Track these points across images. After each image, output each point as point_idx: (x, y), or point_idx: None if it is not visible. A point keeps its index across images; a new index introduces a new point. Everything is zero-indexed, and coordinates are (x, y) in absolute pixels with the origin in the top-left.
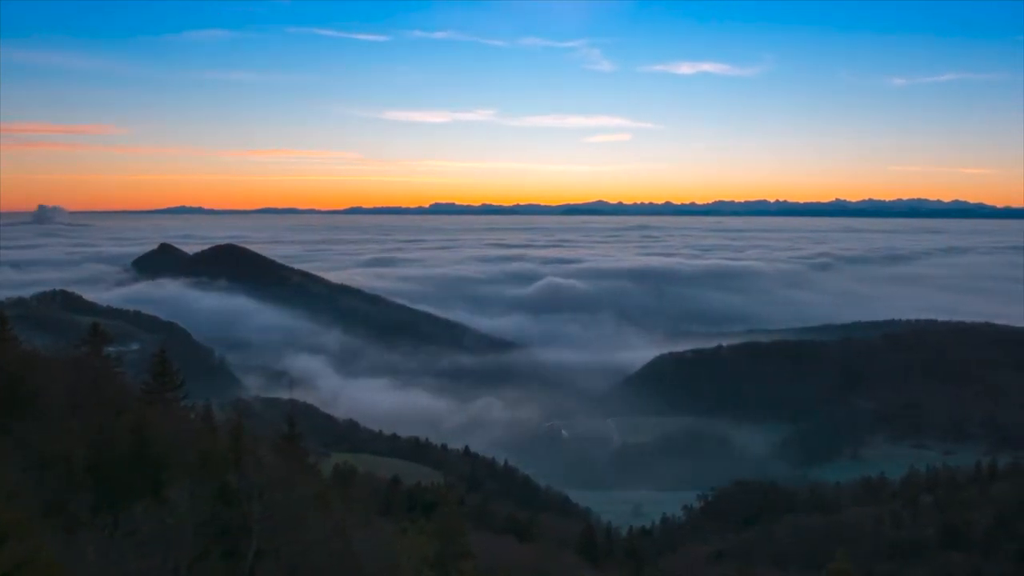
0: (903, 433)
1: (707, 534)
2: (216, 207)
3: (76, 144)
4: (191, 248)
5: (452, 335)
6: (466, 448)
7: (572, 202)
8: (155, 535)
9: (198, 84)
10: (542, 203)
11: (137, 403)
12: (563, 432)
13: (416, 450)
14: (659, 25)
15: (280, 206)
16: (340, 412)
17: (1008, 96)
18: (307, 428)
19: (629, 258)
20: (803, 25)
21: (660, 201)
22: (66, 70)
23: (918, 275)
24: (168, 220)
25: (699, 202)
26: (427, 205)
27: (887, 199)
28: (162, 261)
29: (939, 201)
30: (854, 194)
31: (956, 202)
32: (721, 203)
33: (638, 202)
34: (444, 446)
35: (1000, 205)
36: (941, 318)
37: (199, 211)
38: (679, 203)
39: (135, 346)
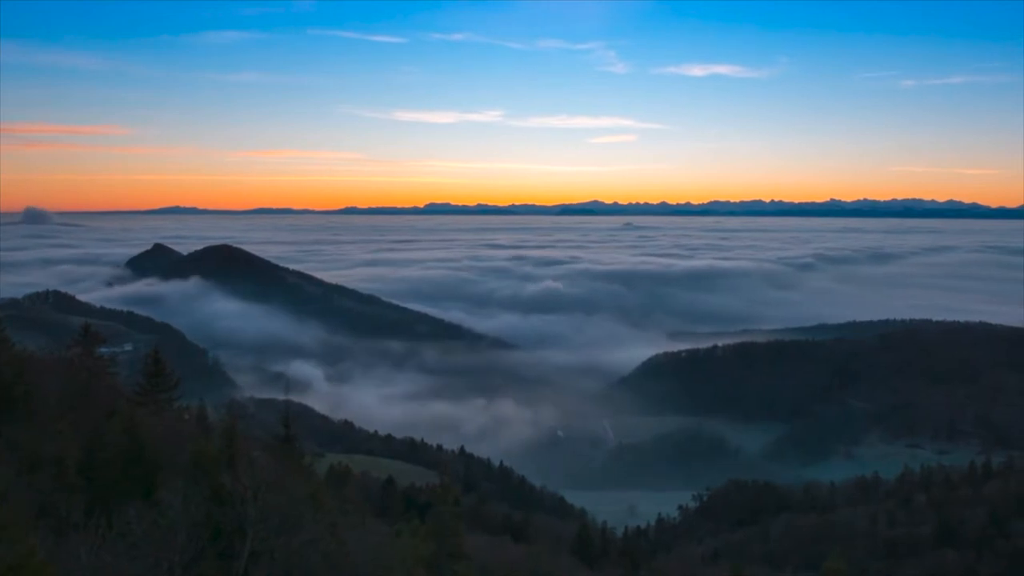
0: (897, 432)
1: (702, 534)
2: (210, 207)
3: (75, 144)
4: (185, 248)
5: (447, 335)
6: (461, 449)
7: (567, 202)
8: (148, 537)
9: (209, 85)
10: (537, 203)
11: (130, 404)
12: (559, 432)
13: (411, 451)
14: (675, 27)
15: (276, 206)
16: (335, 412)
17: (1005, 97)
18: (302, 429)
19: (622, 258)
20: (814, 28)
21: (655, 201)
22: (75, 71)
23: (896, 274)
24: (162, 220)
25: (695, 202)
26: (422, 205)
27: (882, 199)
28: (155, 261)
29: (933, 201)
30: (849, 194)
31: (950, 202)
32: (716, 203)
33: (633, 202)
34: (439, 447)
35: (994, 205)
36: (936, 317)
37: (193, 211)
38: (674, 203)
39: (128, 347)
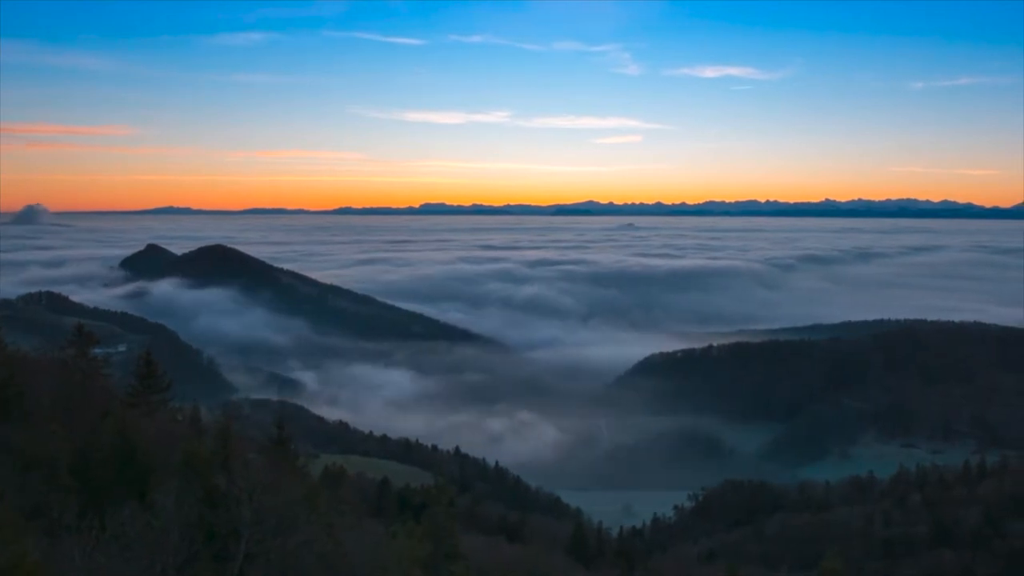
0: (892, 432)
1: (697, 534)
2: (204, 208)
3: (75, 144)
4: (179, 249)
5: (441, 336)
6: (456, 449)
7: (563, 202)
8: (142, 538)
9: (221, 86)
10: (532, 203)
11: (123, 405)
12: (554, 432)
13: (406, 451)
14: (690, 29)
15: (270, 206)
16: (330, 413)
17: (1001, 99)
18: (296, 429)
19: (617, 259)
20: (826, 30)
21: (651, 201)
22: (76, 71)
23: (874, 273)
24: (156, 221)
25: (690, 202)
26: (417, 205)
27: (877, 199)
28: (149, 262)
29: (928, 201)
30: (844, 194)
31: (945, 202)
32: (712, 203)
33: (629, 202)
34: (434, 447)
35: (989, 205)
36: (930, 317)
37: (187, 212)
38: (670, 203)
39: (122, 348)
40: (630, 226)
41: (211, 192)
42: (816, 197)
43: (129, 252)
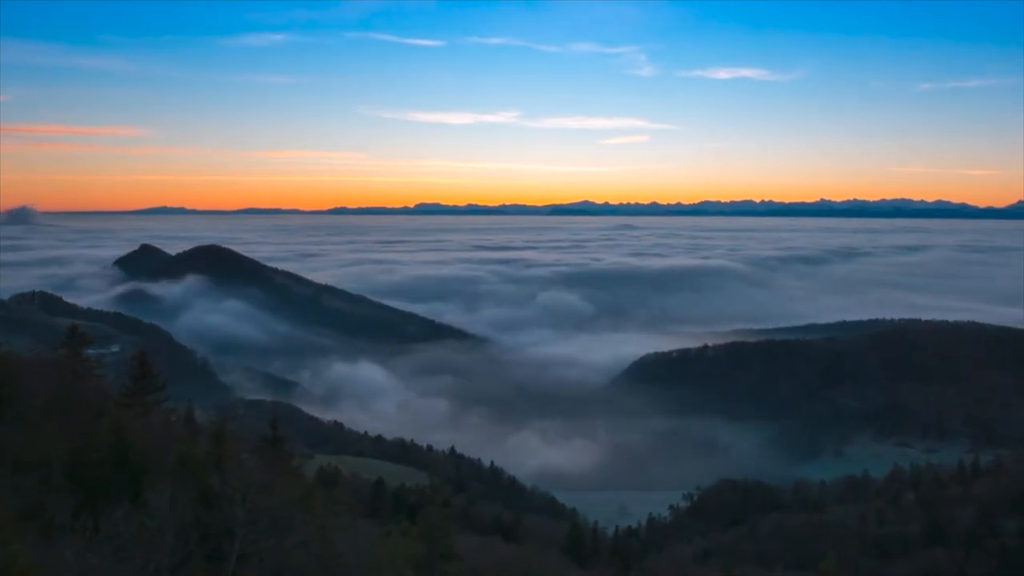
0: (887, 431)
1: (693, 534)
2: (198, 208)
3: (73, 144)
4: (172, 249)
5: (436, 335)
6: (452, 449)
7: (559, 202)
8: (135, 539)
9: (228, 87)
10: (528, 203)
11: (117, 406)
12: (549, 432)
13: (401, 452)
14: (706, 31)
15: (265, 207)
16: (324, 413)
17: (997, 100)
18: (291, 430)
19: (611, 258)
20: (831, 31)
21: (646, 201)
22: (85, 72)
23: (855, 272)
24: (149, 221)
25: (685, 202)
26: (412, 205)
27: (872, 199)
28: (143, 262)
29: (922, 201)
30: (840, 194)
31: (939, 202)
32: (707, 203)
33: (625, 202)
34: (429, 447)
35: (983, 205)
36: (912, 316)
37: (180, 211)
38: (665, 203)
39: (115, 348)
40: (626, 226)
41: (202, 192)
42: (811, 197)
43: (122, 252)
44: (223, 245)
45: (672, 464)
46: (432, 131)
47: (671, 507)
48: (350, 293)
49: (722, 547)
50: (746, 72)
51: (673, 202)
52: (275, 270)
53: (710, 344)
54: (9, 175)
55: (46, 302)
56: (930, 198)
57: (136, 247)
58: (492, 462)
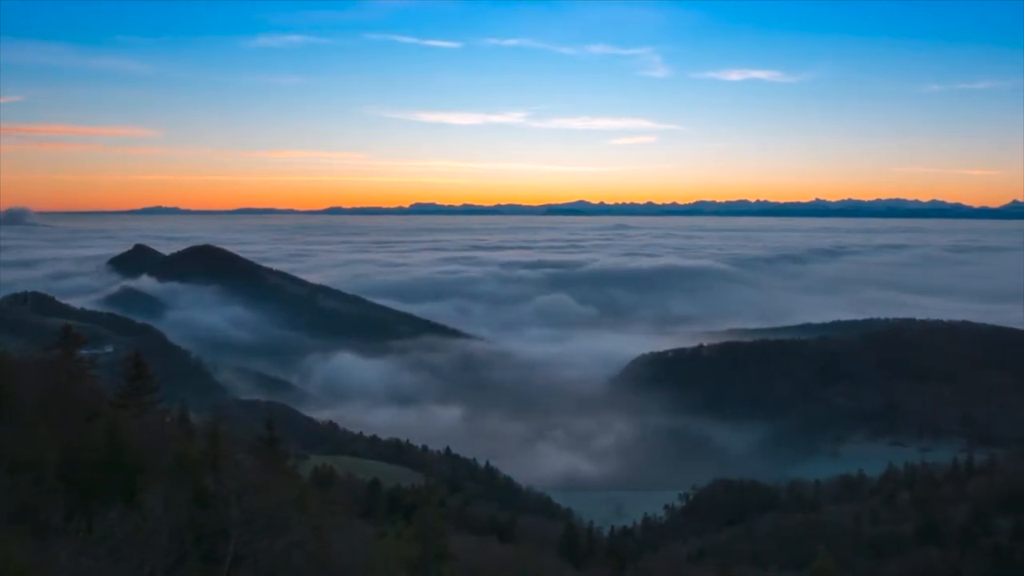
0: (881, 431)
1: (688, 533)
2: (192, 208)
3: (70, 144)
4: (167, 249)
5: (431, 335)
6: (447, 449)
7: (554, 202)
8: (130, 540)
9: (237, 87)
10: (523, 203)
11: (111, 406)
12: (544, 432)
13: (396, 452)
14: (721, 33)
15: (259, 206)
16: (319, 414)
17: (994, 100)
18: (286, 430)
19: (606, 259)
20: (851, 33)
21: (642, 201)
22: (84, 72)
23: (841, 271)
24: (143, 221)
25: (681, 202)
26: (407, 205)
27: (866, 199)
28: (137, 262)
29: (917, 201)
30: (834, 194)
31: (934, 202)
32: (703, 203)
33: (620, 202)
34: (425, 447)
35: (977, 205)
36: (919, 316)
37: (175, 211)
38: (660, 203)
39: (109, 349)
40: (620, 226)
41: (203, 192)
42: (806, 197)
43: (116, 252)
44: (217, 245)
45: (667, 464)
46: (436, 131)
47: (666, 507)
48: (345, 293)
49: (717, 547)
50: (758, 74)
51: (669, 202)
52: (269, 270)
53: (705, 344)
54: (6, 175)
55: (39, 303)
56: (924, 198)
57: (130, 247)
58: (487, 462)
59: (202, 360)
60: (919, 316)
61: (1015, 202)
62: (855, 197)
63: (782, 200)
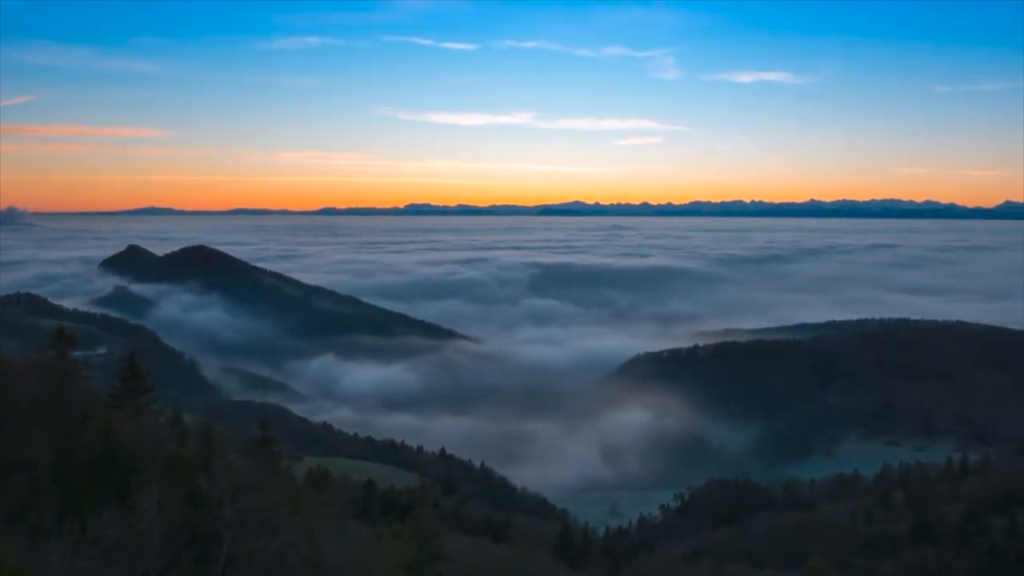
0: (876, 430)
1: (683, 533)
2: (187, 208)
3: (68, 144)
4: (160, 249)
5: (426, 335)
6: (442, 450)
7: (549, 203)
8: (123, 542)
9: (241, 88)
10: (518, 204)
11: (104, 408)
12: (540, 432)
13: (391, 453)
14: (734, 35)
15: (253, 207)
16: (314, 415)
17: (990, 100)
18: (280, 431)
19: (601, 259)
20: (833, 33)
21: (637, 202)
22: (99, 73)
23: (825, 271)
24: (137, 222)
25: (676, 202)
26: (402, 206)
27: (861, 199)
28: (130, 263)
29: (911, 201)
30: (829, 194)
31: (928, 202)
32: (697, 203)
33: (615, 203)
34: (419, 448)
35: (971, 205)
36: (913, 316)
37: (168, 212)
38: (656, 204)
39: (102, 350)
40: (615, 227)
41: (199, 192)
42: (801, 197)
43: (109, 253)
44: (211, 246)
45: (662, 464)
46: (442, 132)
47: (662, 507)
48: (339, 294)
49: (713, 546)
50: (769, 75)
51: (664, 202)
52: (263, 271)
53: (700, 344)
54: (4, 176)
55: (32, 304)
56: (919, 198)
57: (124, 248)
58: (482, 463)
59: (195, 361)
60: (905, 314)
61: (1008, 202)
62: (850, 197)
63: (777, 201)
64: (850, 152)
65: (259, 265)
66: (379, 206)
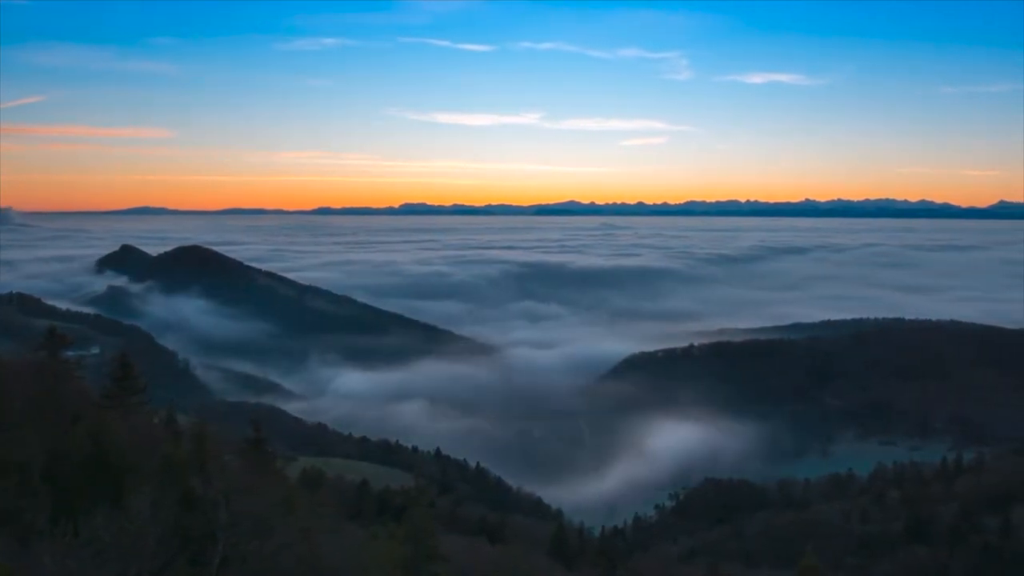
0: (871, 430)
1: (679, 533)
2: (181, 208)
3: (78, 144)
4: (154, 249)
5: (421, 335)
6: (437, 450)
7: (544, 203)
8: (116, 544)
9: (242, 88)
10: (513, 203)
11: (97, 408)
12: (534, 433)
13: (386, 453)
14: (747, 37)
15: (247, 207)
16: (308, 415)
17: (987, 102)
18: (274, 432)
19: (596, 259)
20: (833, 35)
21: (632, 201)
22: (99, 74)
23: (810, 269)
24: (131, 222)
25: (672, 202)
26: (397, 206)
27: (856, 199)
28: (124, 262)
29: (906, 201)
30: (824, 194)
31: (922, 202)
32: (693, 203)
33: (611, 202)
34: (414, 448)
35: (965, 205)
36: (908, 316)
37: (162, 212)
38: (651, 203)
39: (95, 350)
40: (609, 226)
41: (190, 193)
42: (796, 197)
43: (103, 252)
44: (205, 245)
45: (657, 464)
46: (448, 132)
47: (657, 506)
48: (334, 293)
49: (708, 546)
50: (781, 76)
51: (660, 202)
52: (258, 271)
53: (695, 344)
54: (4, 175)
55: (24, 303)
56: (913, 198)
57: (117, 247)
58: (478, 463)
59: (189, 361)
60: (900, 314)
61: (1003, 202)
62: (845, 197)
63: (772, 200)
64: (846, 152)
65: (253, 265)
66: (374, 206)
